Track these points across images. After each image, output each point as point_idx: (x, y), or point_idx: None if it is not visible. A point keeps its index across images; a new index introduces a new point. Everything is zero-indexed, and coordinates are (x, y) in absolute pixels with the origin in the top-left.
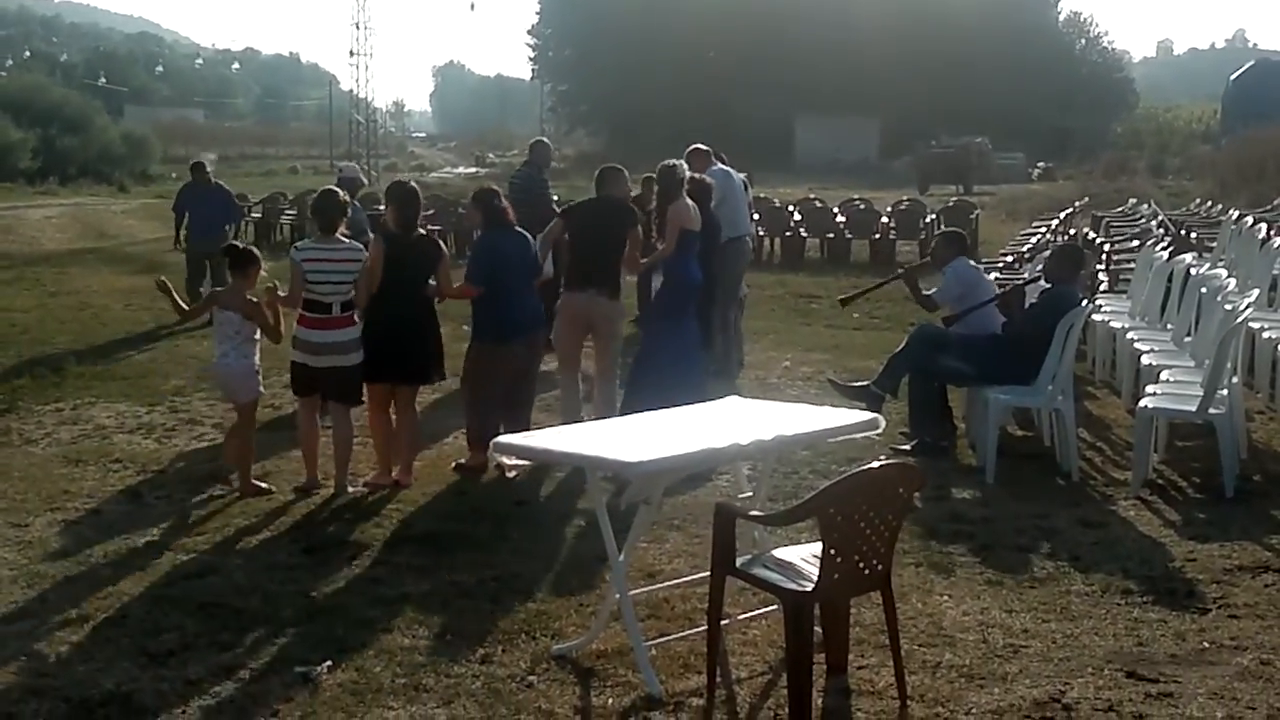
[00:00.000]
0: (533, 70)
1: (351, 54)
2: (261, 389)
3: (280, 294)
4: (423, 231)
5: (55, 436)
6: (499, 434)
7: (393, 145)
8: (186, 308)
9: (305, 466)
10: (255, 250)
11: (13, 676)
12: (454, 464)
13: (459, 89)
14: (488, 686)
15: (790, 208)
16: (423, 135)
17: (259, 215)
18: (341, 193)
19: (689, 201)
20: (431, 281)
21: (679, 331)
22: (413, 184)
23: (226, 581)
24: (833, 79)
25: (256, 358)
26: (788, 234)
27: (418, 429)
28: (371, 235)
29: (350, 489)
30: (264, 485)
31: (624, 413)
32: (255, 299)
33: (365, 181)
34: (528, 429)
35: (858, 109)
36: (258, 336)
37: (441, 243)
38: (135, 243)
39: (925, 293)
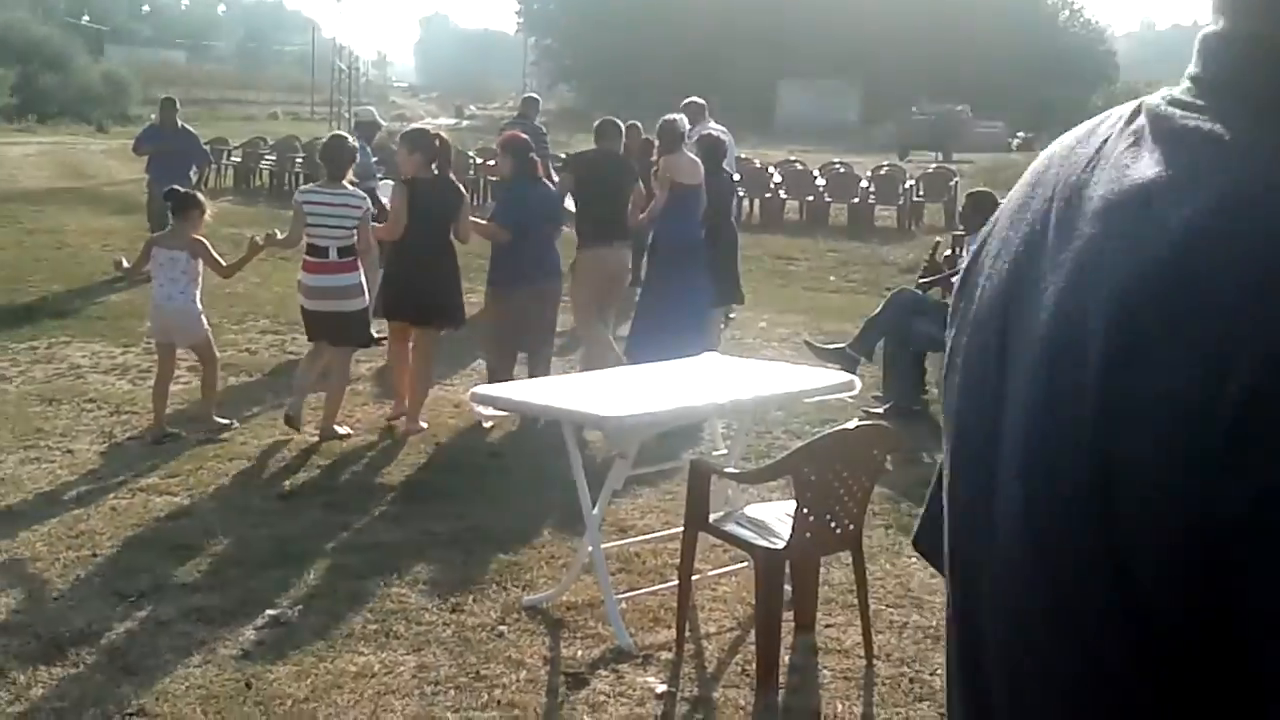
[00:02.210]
0: (518, 24)
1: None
2: (207, 327)
3: (258, 240)
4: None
5: (29, 375)
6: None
7: (374, 94)
8: (127, 264)
9: (293, 393)
10: (198, 194)
11: None
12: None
13: (443, 41)
14: (458, 635)
15: (770, 169)
16: (405, 85)
17: (239, 160)
18: (351, 139)
19: (689, 155)
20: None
21: (676, 288)
22: (433, 129)
23: (199, 524)
24: (815, 41)
25: (199, 298)
26: (767, 195)
27: (429, 376)
28: (378, 180)
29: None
30: (225, 421)
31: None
32: (199, 238)
33: (382, 124)
34: (543, 374)
35: (840, 73)
36: (200, 277)
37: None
38: (114, 183)
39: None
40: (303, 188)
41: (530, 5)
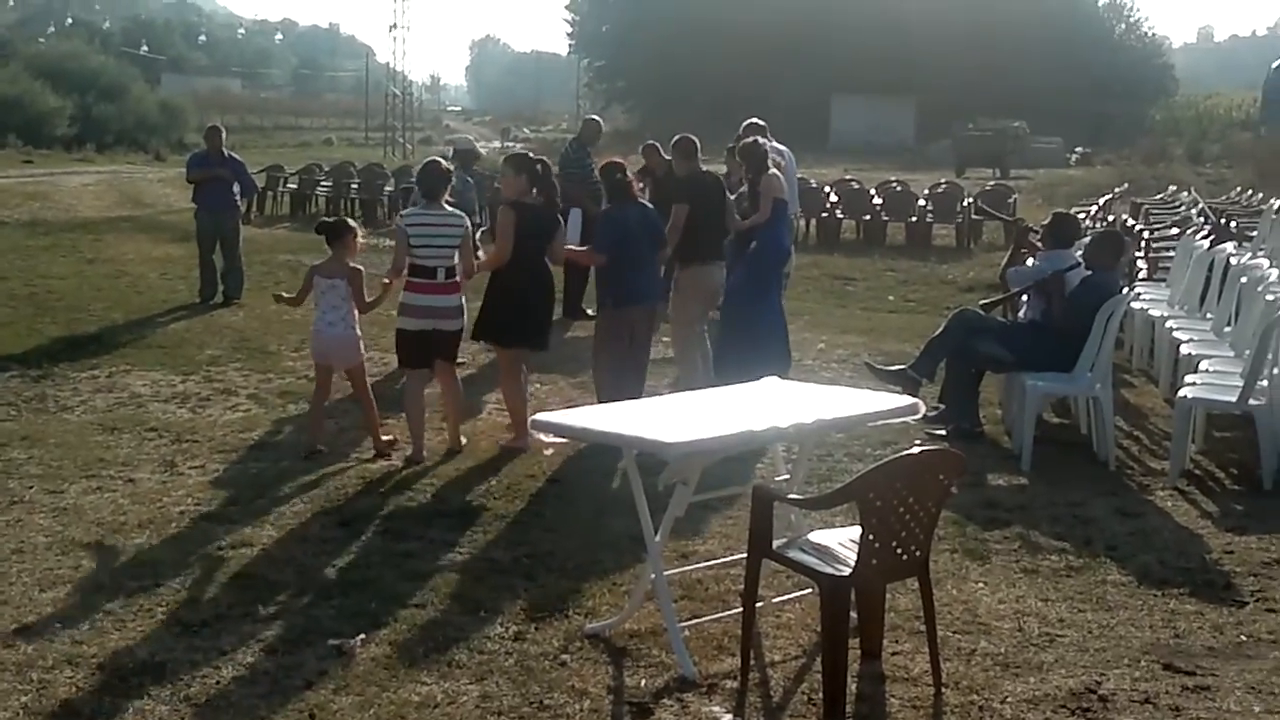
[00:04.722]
0: (570, 45)
1: (391, 27)
2: (364, 353)
3: (385, 280)
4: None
5: (91, 404)
6: (632, 397)
7: (428, 119)
8: (289, 295)
9: (412, 439)
10: (349, 221)
11: (47, 644)
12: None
13: (495, 64)
14: (520, 663)
15: (826, 189)
16: (458, 109)
17: (294, 186)
18: (444, 162)
19: (777, 173)
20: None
21: (769, 299)
22: (533, 155)
23: (261, 553)
24: (870, 59)
25: (358, 325)
26: (824, 215)
27: (525, 392)
28: (476, 213)
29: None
30: (390, 437)
31: (718, 382)
32: (358, 266)
33: (481, 153)
34: (639, 396)
35: (894, 90)
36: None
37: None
38: (171, 211)
39: (1010, 263)
40: (404, 211)
41: (582, 27)
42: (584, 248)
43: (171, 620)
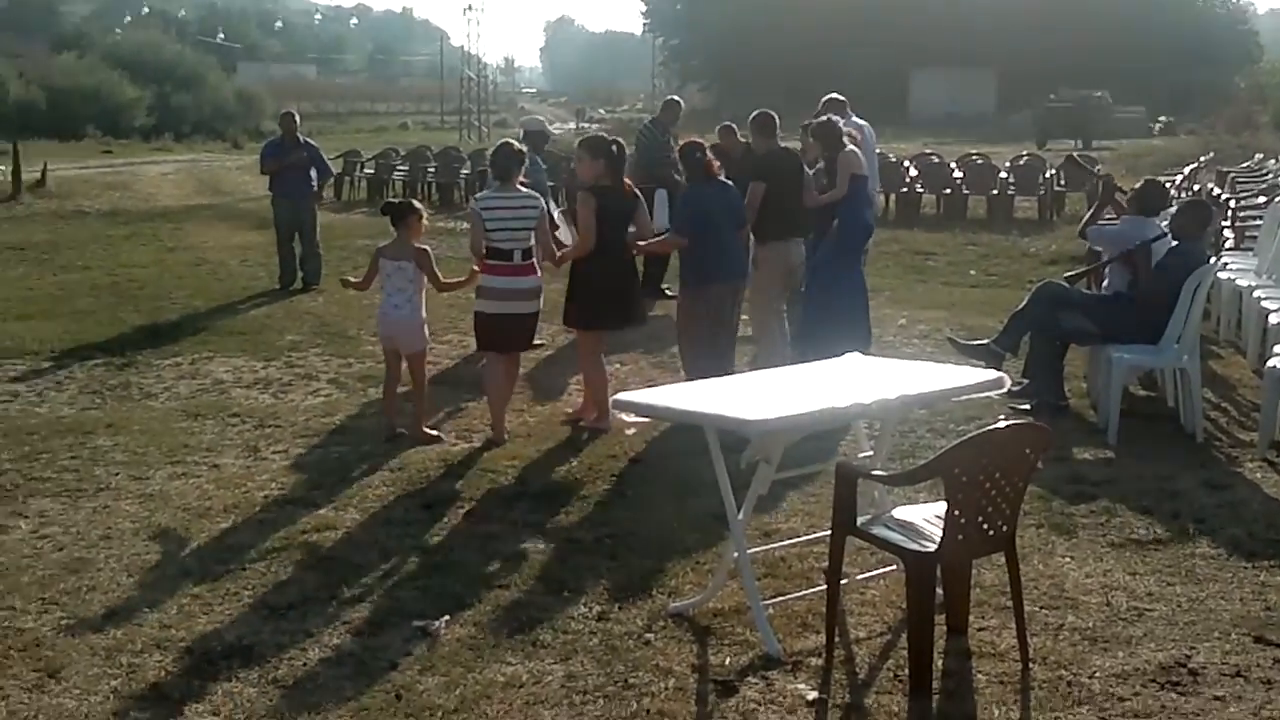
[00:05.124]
0: (644, 25)
1: (465, 10)
2: (428, 338)
3: (476, 268)
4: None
5: (174, 390)
6: (716, 375)
7: (503, 101)
8: (355, 280)
9: (493, 421)
10: (414, 202)
11: (136, 628)
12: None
13: (570, 45)
14: (605, 643)
15: (906, 163)
16: (533, 91)
17: (371, 172)
18: (517, 144)
19: (855, 149)
20: (631, 229)
21: (852, 276)
22: (610, 136)
23: (344, 536)
24: (948, 30)
25: (424, 309)
26: (903, 190)
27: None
28: (546, 195)
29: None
30: (434, 432)
31: (800, 359)
32: (424, 247)
33: (553, 134)
34: (730, 373)
35: (974, 61)
36: (425, 286)
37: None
38: (249, 199)
39: (1092, 220)
40: (479, 195)
41: (656, 5)
42: (662, 235)
43: (258, 603)
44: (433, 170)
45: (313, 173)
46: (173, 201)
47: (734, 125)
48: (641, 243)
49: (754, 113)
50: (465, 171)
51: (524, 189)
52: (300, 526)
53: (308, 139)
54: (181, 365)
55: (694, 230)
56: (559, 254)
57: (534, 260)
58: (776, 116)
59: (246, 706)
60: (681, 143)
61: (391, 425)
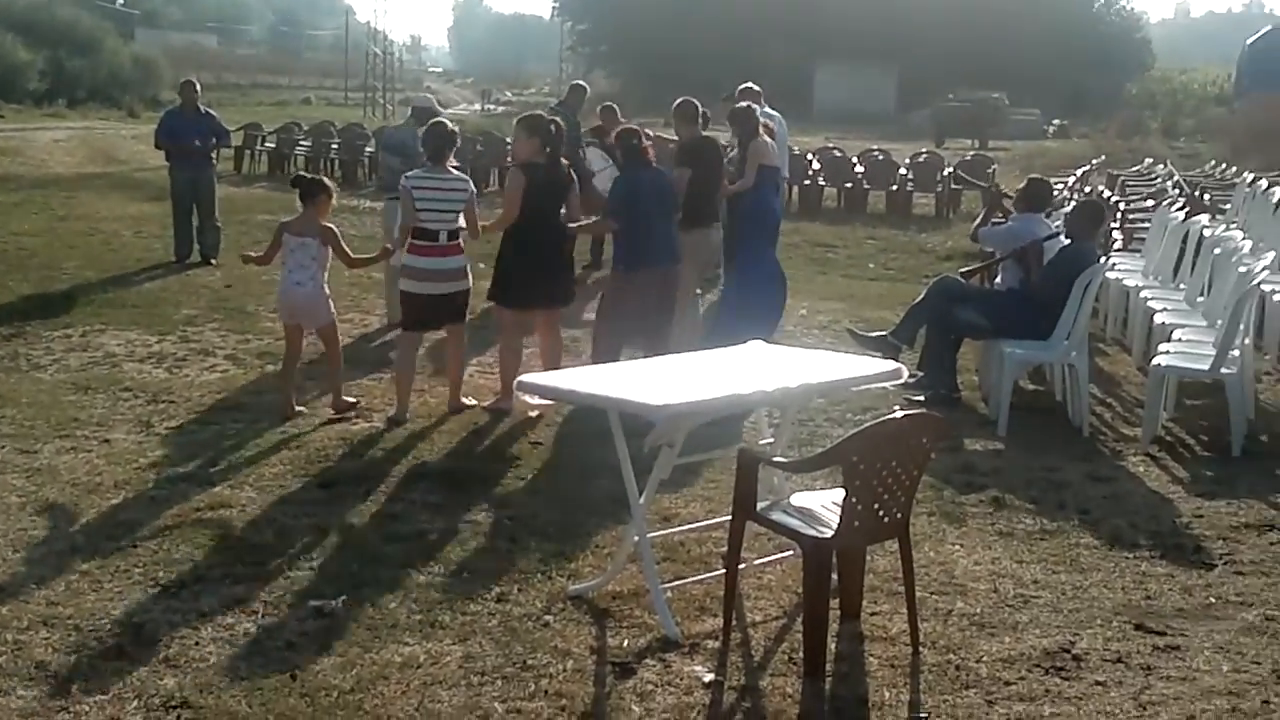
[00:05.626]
0: (553, 8)
1: None
2: (334, 312)
3: (389, 246)
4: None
5: (64, 363)
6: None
7: (409, 80)
8: (256, 254)
9: (397, 399)
10: (325, 180)
11: (22, 605)
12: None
13: (477, 25)
14: (504, 624)
15: (809, 156)
16: (439, 70)
17: (272, 146)
18: (450, 124)
19: (767, 140)
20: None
21: (760, 265)
22: (546, 116)
23: (239, 514)
24: (852, 28)
25: (327, 285)
26: (806, 182)
27: (561, 349)
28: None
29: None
30: (352, 400)
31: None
32: (330, 225)
33: (442, 111)
34: (663, 354)
35: (876, 59)
36: (329, 263)
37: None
38: (145, 168)
39: (982, 224)
40: (409, 174)
41: None
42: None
43: (149, 581)
44: (336, 146)
45: (212, 140)
46: (65, 169)
47: (615, 106)
48: (573, 224)
49: (677, 100)
50: (369, 149)
51: (455, 170)
52: (194, 504)
53: (209, 109)
54: (72, 337)
55: (628, 215)
56: (483, 225)
57: (460, 241)
58: (699, 104)
59: (137, 686)
60: (618, 129)
61: (290, 403)
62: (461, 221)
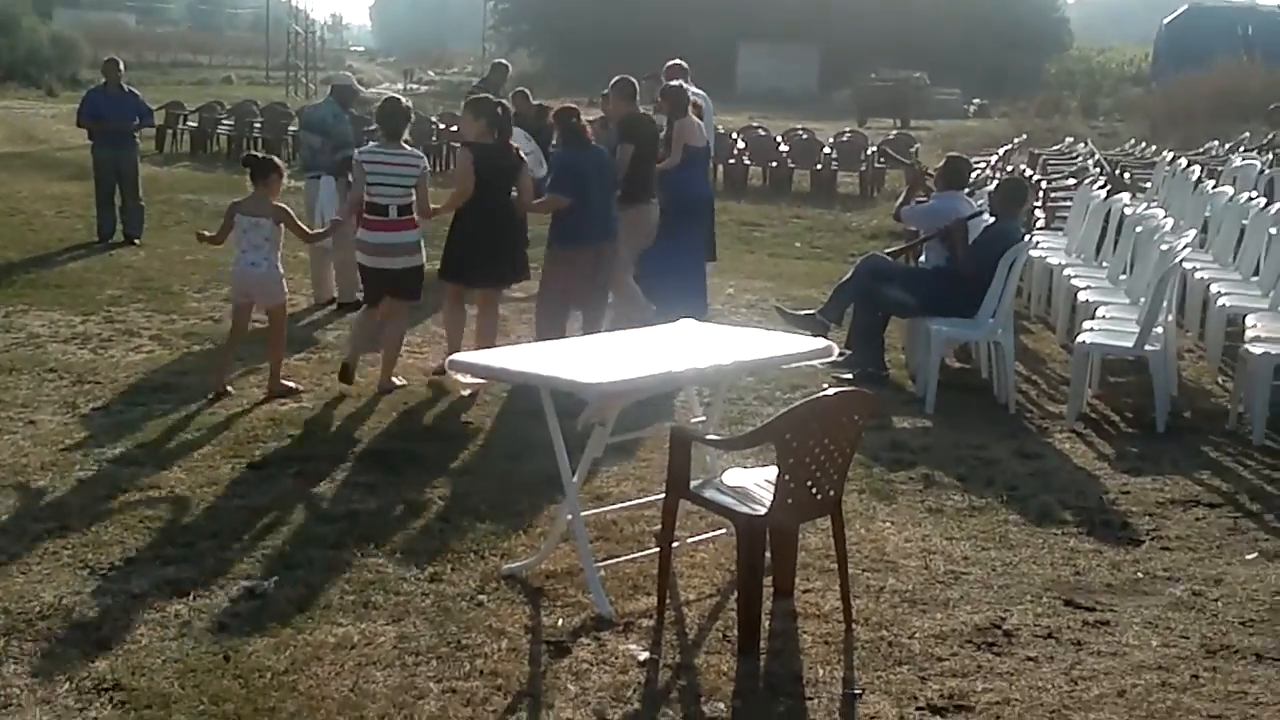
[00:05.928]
0: None
1: None
2: (286, 292)
3: (338, 218)
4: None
5: None
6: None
7: (331, 59)
8: (210, 234)
9: (347, 355)
10: (275, 159)
11: None
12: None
13: (399, 4)
14: (438, 604)
15: (734, 135)
16: (361, 50)
17: (195, 125)
18: (404, 100)
19: (695, 119)
20: (514, 192)
21: (687, 244)
22: (495, 98)
23: (169, 495)
24: (776, 6)
25: (280, 263)
26: (731, 161)
27: (496, 329)
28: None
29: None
30: (291, 384)
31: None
32: (282, 205)
33: (361, 90)
34: (600, 331)
35: (799, 38)
36: (281, 242)
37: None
38: (66, 148)
39: (905, 203)
40: (362, 149)
41: None
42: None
43: (78, 563)
44: (259, 125)
45: (135, 120)
46: None
47: (527, 91)
48: (533, 202)
49: (615, 78)
50: (293, 128)
51: (409, 147)
52: (123, 485)
53: (132, 87)
54: None
55: (571, 194)
56: (436, 206)
57: (412, 216)
58: (636, 82)
59: (67, 669)
60: (556, 109)
61: (220, 383)
62: (413, 197)
